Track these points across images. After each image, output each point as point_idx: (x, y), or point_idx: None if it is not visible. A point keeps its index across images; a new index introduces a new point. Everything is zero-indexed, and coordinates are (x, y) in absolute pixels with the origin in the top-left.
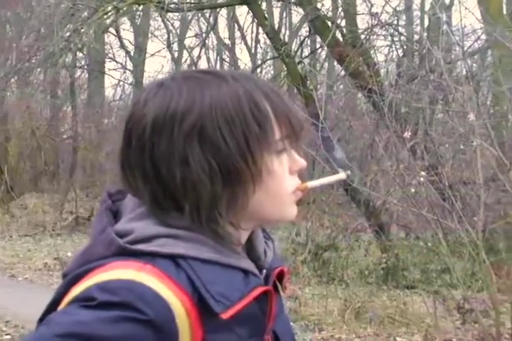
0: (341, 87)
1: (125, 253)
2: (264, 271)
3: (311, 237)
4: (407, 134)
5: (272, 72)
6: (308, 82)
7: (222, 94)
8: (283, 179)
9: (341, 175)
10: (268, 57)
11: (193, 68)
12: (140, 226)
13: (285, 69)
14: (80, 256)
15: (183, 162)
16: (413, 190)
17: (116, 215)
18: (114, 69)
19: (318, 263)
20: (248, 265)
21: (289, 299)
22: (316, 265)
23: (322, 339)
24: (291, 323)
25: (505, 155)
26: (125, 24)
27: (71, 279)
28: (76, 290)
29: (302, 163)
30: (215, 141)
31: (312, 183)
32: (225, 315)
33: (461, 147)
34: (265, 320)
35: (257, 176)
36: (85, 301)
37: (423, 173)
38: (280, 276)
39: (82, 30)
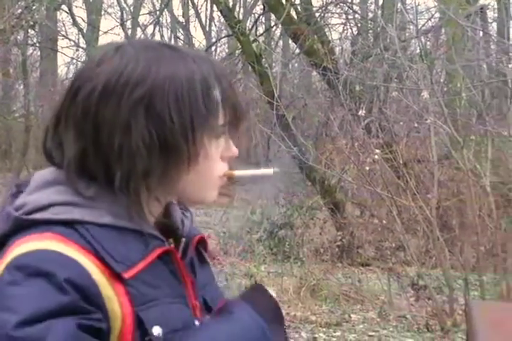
0: (296, 65)
1: (23, 225)
2: (184, 239)
3: (266, 215)
4: (362, 112)
5: (227, 50)
6: (263, 60)
7: (178, 73)
8: (215, 163)
9: (269, 170)
10: (222, 35)
11: None
12: (36, 196)
13: (240, 47)
14: None
15: (125, 129)
16: (368, 168)
17: None
18: (67, 47)
19: (273, 242)
20: (149, 228)
21: (244, 277)
22: (271, 243)
23: None
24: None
25: (458, 133)
26: (77, 1)
27: None
28: None
29: (235, 151)
30: (162, 114)
31: (239, 172)
32: (127, 275)
33: (415, 125)
34: (181, 284)
35: (193, 156)
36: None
37: (378, 151)
38: (204, 246)
39: (34, 7)
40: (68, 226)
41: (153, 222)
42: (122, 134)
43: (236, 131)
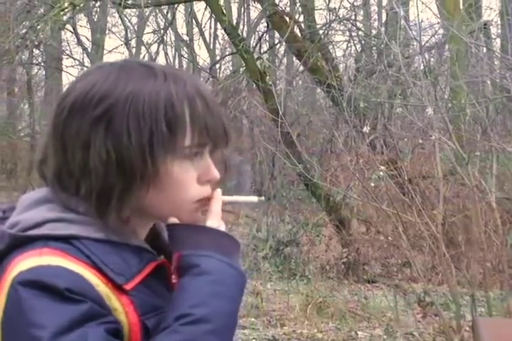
0: (300, 82)
1: (19, 242)
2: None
3: (272, 233)
4: (366, 129)
5: (231, 67)
6: (267, 77)
7: (143, 89)
8: (186, 186)
9: (254, 198)
10: (226, 53)
11: None
12: (29, 214)
13: (244, 64)
14: None
15: (85, 146)
16: (373, 185)
17: None
18: (72, 67)
19: (279, 259)
20: (141, 243)
21: (250, 295)
22: (277, 260)
23: (284, 335)
24: (253, 319)
25: (463, 149)
26: (82, 21)
27: None
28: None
29: (214, 174)
30: (120, 132)
31: (224, 198)
32: (129, 286)
33: (420, 141)
34: None
35: (152, 177)
36: (18, 300)
37: (383, 168)
38: None
39: (39, 26)
40: (65, 242)
41: (144, 237)
42: (83, 151)
43: (215, 154)
